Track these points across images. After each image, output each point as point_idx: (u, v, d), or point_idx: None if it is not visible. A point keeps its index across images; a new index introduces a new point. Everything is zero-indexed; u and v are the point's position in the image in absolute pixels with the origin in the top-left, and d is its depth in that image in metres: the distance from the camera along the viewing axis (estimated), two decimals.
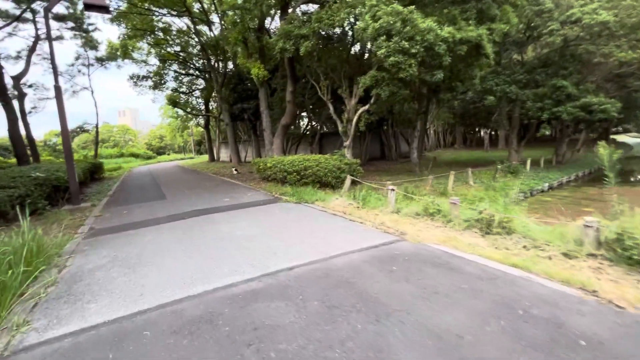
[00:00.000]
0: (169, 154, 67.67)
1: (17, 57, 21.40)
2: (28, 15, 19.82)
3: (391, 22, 8.05)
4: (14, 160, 20.13)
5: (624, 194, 5.39)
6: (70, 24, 23.66)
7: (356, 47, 14.08)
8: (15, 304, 3.55)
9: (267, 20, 20.03)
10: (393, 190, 7.42)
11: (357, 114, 13.87)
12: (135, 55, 28.82)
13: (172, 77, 32.92)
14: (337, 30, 13.27)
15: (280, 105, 20.32)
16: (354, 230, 5.79)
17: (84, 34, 25.11)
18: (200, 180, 16.65)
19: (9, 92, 17.93)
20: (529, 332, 2.62)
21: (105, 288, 3.91)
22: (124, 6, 21.79)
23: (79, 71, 27.35)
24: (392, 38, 8.33)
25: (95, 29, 25.43)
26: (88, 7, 10.05)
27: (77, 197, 10.10)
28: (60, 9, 24.59)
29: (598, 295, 3.17)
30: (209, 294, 3.57)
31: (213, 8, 24.01)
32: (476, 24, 9.18)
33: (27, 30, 60.58)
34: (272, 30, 21.51)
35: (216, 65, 27.25)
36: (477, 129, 41.68)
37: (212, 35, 25.04)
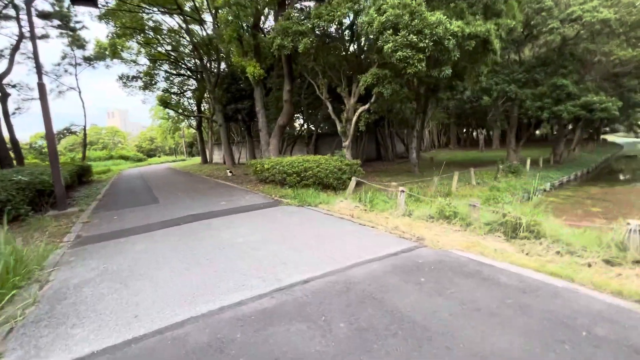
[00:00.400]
0: (159, 156, 66.44)
1: (0, 56, 20.50)
2: (11, 12, 19.02)
3: (399, 15, 7.67)
4: None
5: (628, 193, 5.06)
6: (56, 22, 22.85)
7: (356, 45, 13.65)
8: None
9: (262, 19, 19.53)
10: (403, 192, 7.02)
11: (357, 113, 13.48)
12: (124, 54, 28.00)
13: (163, 77, 32.14)
14: (337, 26, 12.86)
15: (276, 105, 19.84)
16: (366, 236, 5.36)
17: (70, 33, 24.32)
18: (193, 182, 16.06)
19: None
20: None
21: (93, 308, 3.40)
22: (112, 3, 21.06)
23: (66, 71, 26.52)
24: (400, 32, 7.95)
25: (83, 27, 24.57)
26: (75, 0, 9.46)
27: (63, 202, 9.48)
28: (45, 6, 23.76)
29: None
30: (215, 314, 3.09)
31: (205, 6, 23.42)
32: (483, 19, 8.87)
33: (9, 28, 58.95)
34: (266, 29, 21.03)
35: (209, 65, 26.62)
36: (471, 129, 41.77)
37: (205, 34, 24.44)
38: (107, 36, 24.37)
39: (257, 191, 11.33)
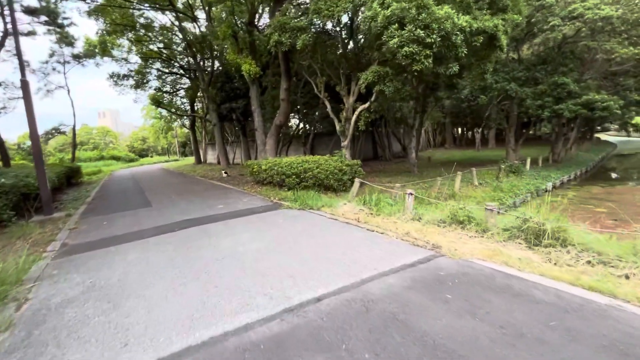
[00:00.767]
0: (152, 156, 65.43)
1: None
2: None
3: (405, 8, 7.30)
4: None
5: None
6: (43, 18, 22.05)
7: (355, 42, 13.27)
8: None
9: (257, 16, 19.04)
10: (411, 195, 6.66)
11: (357, 112, 13.11)
12: (115, 52, 27.26)
13: (155, 76, 31.44)
14: (336, 22, 12.47)
15: (272, 104, 19.40)
16: (377, 243, 4.98)
17: (58, 29, 23.49)
18: (187, 184, 15.55)
19: None
20: None
21: (76, 334, 2.97)
22: None
23: (54, 69, 25.62)
24: (406, 27, 7.59)
25: (71, 23, 23.90)
26: None
27: (49, 206, 8.95)
28: (32, 1, 22.96)
29: None
30: (218, 342, 2.68)
31: (198, 2, 22.86)
32: (489, 14, 8.57)
33: None
34: (261, 27, 20.56)
35: (202, 63, 26.02)
36: (466, 129, 41.72)
37: (198, 32, 23.85)
38: (97, 33, 23.66)
39: (255, 193, 10.90)
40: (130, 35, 25.28)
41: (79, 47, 25.80)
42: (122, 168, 38.15)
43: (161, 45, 27.63)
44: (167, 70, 31.79)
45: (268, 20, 21.75)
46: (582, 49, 15.21)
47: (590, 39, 14.28)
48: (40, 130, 32.44)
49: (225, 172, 18.19)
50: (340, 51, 13.77)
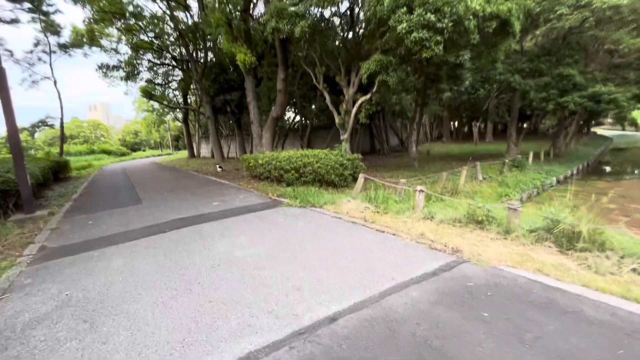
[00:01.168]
0: (144, 150, 64.21)
1: None
2: None
3: None
4: None
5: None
6: (27, 5, 21.05)
7: (356, 29, 12.65)
8: None
9: (252, 5, 18.25)
10: (422, 192, 6.19)
11: (357, 104, 12.57)
12: (104, 42, 26.22)
13: (146, 67, 30.40)
14: (337, 9, 11.84)
15: (268, 96, 18.75)
16: (390, 247, 4.50)
17: (43, 17, 22.49)
18: (180, 179, 14.93)
19: None
20: None
21: None
22: None
23: (39, 59, 24.55)
24: (415, 10, 7.05)
25: (56, 10, 22.75)
26: None
27: (30, 204, 8.32)
28: None
29: None
30: None
31: None
32: None
33: None
34: (255, 17, 19.78)
35: (195, 54, 25.13)
36: (464, 122, 41.39)
37: (191, 22, 22.95)
38: (84, 21, 22.62)
39: (252, 189, 10.36)
40: (119, 24, 24.24)
41: (66, 36, 24.92)
42: (113, 162, 37.20)
43: (152, 34, 26.65)
44: (158, 62, 30.76)
45: (263, 11, 21.05)
46: (588, 39, 14.78)
47: (598, 29, 13.84)
48: (26, 123, 31.40)
49: (220, 167, 17.58)
50: (340, 40, 13.16)
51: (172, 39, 26.78)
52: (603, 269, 3.52)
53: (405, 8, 7.18)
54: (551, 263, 3.72)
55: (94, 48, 26.20)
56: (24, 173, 8.17)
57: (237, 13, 14.65)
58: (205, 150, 36.95)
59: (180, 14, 24.34)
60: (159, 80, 32.40)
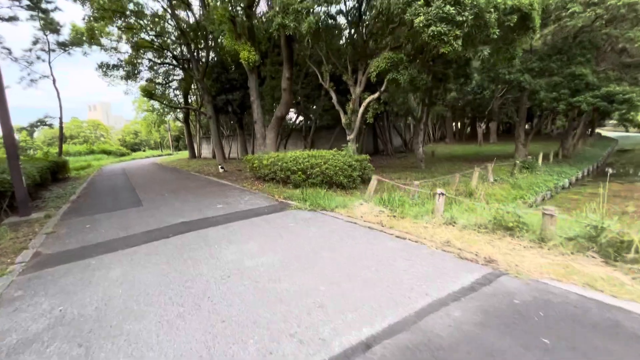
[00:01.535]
0: (144, 150, 63.82)
1: None
2: None
3: None
4: None
5: None
6: (26, 2, 20.71)
7: (364, 26, 12.28)
8: None
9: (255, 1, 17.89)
10: (442, 195, 5.81)
11: (365, 103, 12.20)
12: (104, 41, 25.79)
13: (147, 66, 30.02)
14: (344, 5, 11.49)
15: (271, 95, 18.39)
16: (415, 256, 4.12)
17: (42, 15, 22.14)
18: (182, 180, 14.54)
19: None
20: None
21: None
22: None
23: (38, 57, 24.21)
24: (433, 2, 6.69)
25: (56, 8, 22.42)
26: None
27: (25, 206, 7.94)
28: None
29: None
30: None
31: None
32: None
33: None
34: (258, 14, 19.44)
35: (196, 53, 24.77)
36: (467, 123, 41.06)
37: (193, 20, 22.62)
38: (84, 19, 22.22)
39: (256, 190, 9.98)
40: (120, 22, 23.89)
41: (65, 34, 24.53)
42: (113, 162, 36.81)
43: (153, 33, 26.29)
44: (159, 61, 30.40)
45: (265, 9, 20.70)
46: (600, 38, 14.42)
47: (612, 27, 13.47)
48: (25, 123, 31.01)
49: (222, 167, 17.21)
50: (348, 37, 12.79)
51: (173, 37, 26.42)
52: None
53: (422, 0, 6.81)
54: (600, 276, 3.34)
55: (94, 47, 25.81)
56: (19, 174, 7.79)
57: (241, 10, 14.30)
58: (206, 150, 36.56)
59: (182, 13, 24.03)
60: (159, 80, 32.06)
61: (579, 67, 13.83)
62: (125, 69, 28.17)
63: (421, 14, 6.77)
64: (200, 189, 11.22)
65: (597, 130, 48.20)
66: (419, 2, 6.81)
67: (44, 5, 21.76)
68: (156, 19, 24.64)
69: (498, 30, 7.03)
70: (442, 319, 2.69)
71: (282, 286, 3.44)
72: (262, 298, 3.21)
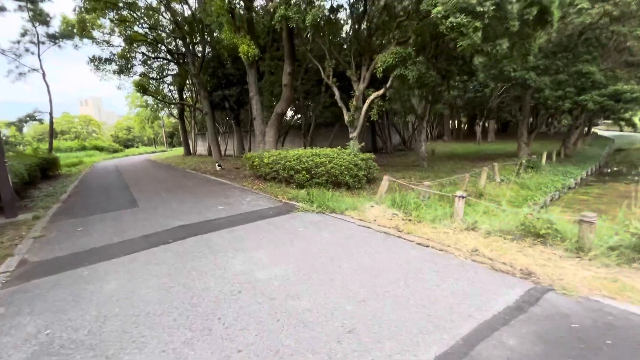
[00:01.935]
0: (137, 147, 62.69)
1: None
2: None
3: None
4: None
5: None
6: None
7: (369, 19, 11.85)
8: None
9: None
10: (462, 198, 5.45)
11: (369, 100, 11.80)
12: (95, 34, 24.98)
13: (140, 61, 29.21)
14: None
15: (270, 91, 17.89)
16: (444, 267, 3.74)
17: (31, 5, 21.32)
18: (178, 178, 14.04)
19: None
20: None
21: None
22: None
23: (27, 50, 23.38)
24: None
25: None
26: None
27: (11, 207, 7.42)
28: None
29: None
30: None
31: None
32: None
33: None
34: (256, 8, 18.89)
35: (192, 47, 24.10)
36: (464, 121, 40.93)
37: (189, 12, 21.94)
38: (74, 11, 21.47)
39: (258, 190, 9.55)
40: (112, 14, 23.13)
41: (55, 26, 23.74)
42: (105, 159, 35.99)
43: (146, 26, 25.53)
44: (153, 55, 29.62)
45: (263, 2, 20.13)
46: (607, 35, 14.19)
47: (620, 24, 13.23)
48: (13, 118, 30.06)
49: (219, 165, 16.71)
50: (352, 31, 12.35)
51: (167, 30, 25.70)
52: None
53: None
54: None
55: (86, 40, 25.02)
56: (4, 172, 7.28)
57: (240, 1, 13.76)
58: (201, 147, 35.92)
59: (177, 5, 23.34)
60: (153, 75, 31.25)
61: (586, 65, 13.57)
62: (118, 63, 27.36)
63: (439, 4, 6.38)
64: (198, 187, 10.76)
65: (593, 129, 48.45)
66: None
67: None
68: (150, 11, 23.93)
69: (518, 22, 6.68)
70: (496, 349, 2.32)
71: (303, 305, 3.04)
72: (281, 319, 2.81)
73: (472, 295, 3.09)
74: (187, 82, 30.47)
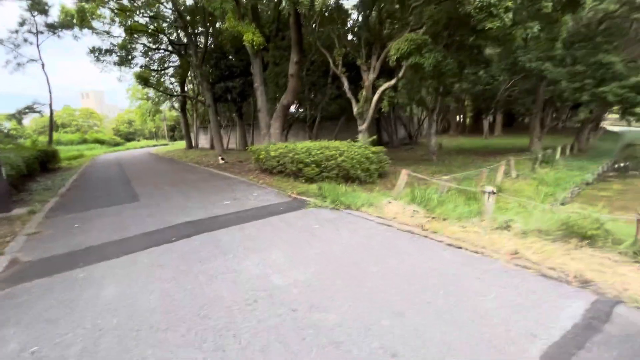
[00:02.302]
0: (139, 140, 62.23)
1: None
2: None
3: None
4: None
5: None
6: None
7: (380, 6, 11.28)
8: None
9: None
10: (492, 194, 4.99)
11: (379, 91, 11.29)
12: (95, 24, 24.37)
13: (141, 52, 28.61)
14: None
15: (275, 82, 17.34)
16: (485, 273, 3.30)
17: None
18: (181, 171, 13.62)
19: None
20: None
21: None
22: None
23: (26, 40, 22.85)
24: None
25: None
26: None
27: (5, 202, 7.01)
28: None
29: None
30: None
31: None
32: None
33: None
34: None
35: (194, 37, 23.51)
36: (470, 115, 40.28)
37: (191, 1, 21.34)
38: (73, 0, 20.89)
39: (264, 184, 9.11)
40: (112, 4, 22.53)
41: (54, 15, 23.13)
42: (106, 152, 35.61)
43: (148, 16, 24.90)
44: (154, 46, 29.02)
45: None
46: (627, 24, 13.58)
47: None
48: (12, 110, 29.61)
49: (223, 159, 16.27)
50: (363, 17, 11.79)
51: (169, 20, 25.08)
52: None
53: None
54: None
55: (85, 30, 24.39)
56: None
57: None
58: (204, 140, 35.46)
59: None
60: (154, 67, 30.68)
61: (606, 55, 12.98)
62: (118, 54, 26.81)
63: None
64: (201, 182, 10.33)
65: (602, 124, 47.65)
66: None
67: None
68: (151, 0, 23.29)
69: (551, 3, 6.17)
70: None
71: (331, 319, 2.61)
72: (308, 339, 2.38)
73: (528, 308, 2.65)
74: (189, 74, 29.89)
